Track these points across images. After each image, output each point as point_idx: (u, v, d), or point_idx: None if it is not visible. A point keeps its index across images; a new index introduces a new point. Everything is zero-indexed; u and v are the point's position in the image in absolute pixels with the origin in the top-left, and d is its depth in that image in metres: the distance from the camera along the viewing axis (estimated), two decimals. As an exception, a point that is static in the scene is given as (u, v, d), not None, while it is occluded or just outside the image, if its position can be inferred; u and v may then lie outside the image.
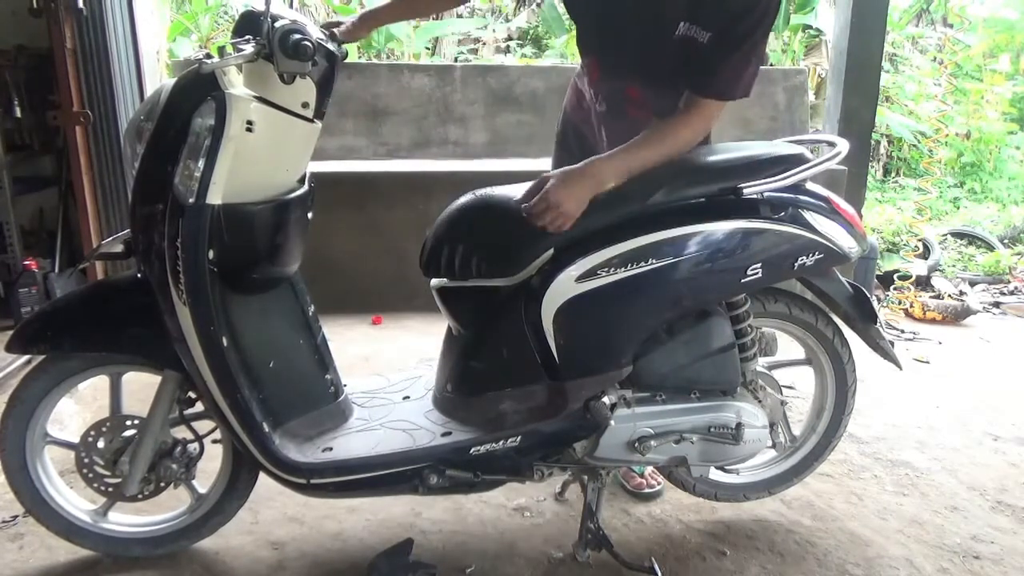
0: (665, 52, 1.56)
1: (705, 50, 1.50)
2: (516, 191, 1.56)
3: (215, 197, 1.38)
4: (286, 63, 1.36)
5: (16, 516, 1.86)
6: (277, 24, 1.34)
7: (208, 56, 1.43)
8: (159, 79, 3.55)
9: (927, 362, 3.16)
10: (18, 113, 3.30)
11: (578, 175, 1.46)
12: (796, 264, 1.58)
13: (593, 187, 1.46)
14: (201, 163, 1.36)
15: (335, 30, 1.63)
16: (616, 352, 1.55)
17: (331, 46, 1.49)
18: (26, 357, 2.70)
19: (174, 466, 1.61)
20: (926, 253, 4.75)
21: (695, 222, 1.50)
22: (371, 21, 1.72)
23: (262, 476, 1.61)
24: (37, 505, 1.64)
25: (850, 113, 3.56)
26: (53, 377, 1.58)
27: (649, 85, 1.67)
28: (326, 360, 1.72)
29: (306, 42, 1.34)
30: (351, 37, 1.66)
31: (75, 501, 1.69)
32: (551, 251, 1.49)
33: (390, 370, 1.97)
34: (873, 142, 6.40)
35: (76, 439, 1.62)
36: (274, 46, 1.34)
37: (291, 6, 1.58)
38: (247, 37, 1.38)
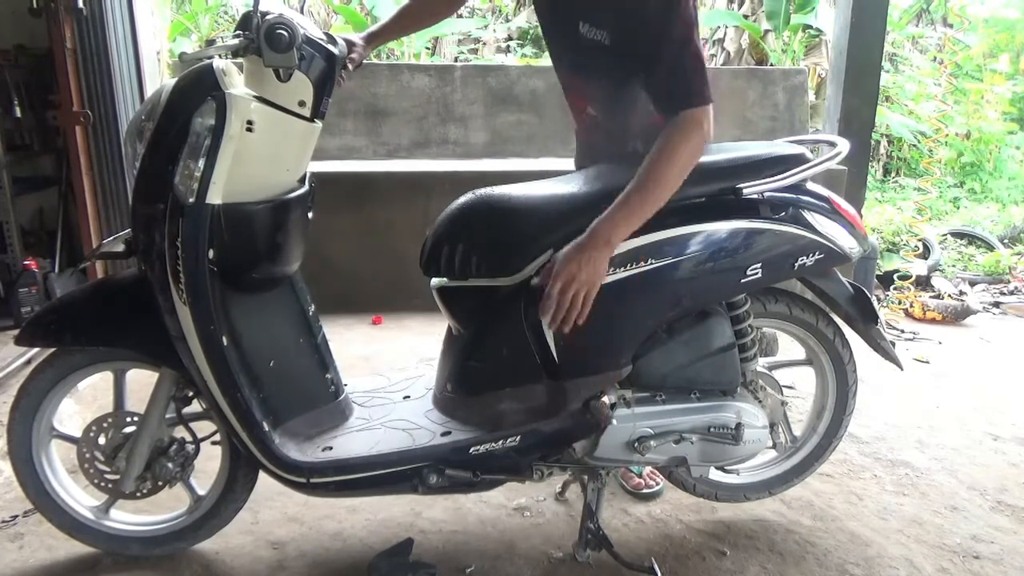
0: (580, 56, 1.53)
1: (609, 54, 1.44)
2: (516, 191, 1.56)
3: (215, 197, 1.39)
4: (272, 57, 1.35)
5: (16, 516, 1.86)
6: (266, 19, 1.34)
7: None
8: (159, 79, 3.55)
9: (927, 362, 3.16)
10: (18, 113, 3.30)
11: (580, 247, 1.40)
12: (796, 264, 1.58)
13: (602, 248, 1.39)
14: (201, 163, 1.37)
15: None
16: (616, 352, 1.54)
17: (330, 46, 1.49)
18: (25, 357, 2.72)
19: (169, 464, 1.62)
20: (926, 253, 4.75)
21: (695, 222, 1.50)
22: (375, 41, 1.73)
23: (262, 476, 1.62)
24: (41, 498, 1.65)
25: (850, 113, 3.56)
26: (59, 371, 1.61)
27: (586, 92, 1.65)
28: (326, 359, 1.72)
29: (282, 31, 1.33)
30: (357, 61, 1.64)
31: (79, 497, 1.70)
32: (551, 251, 1.48)
33: (390, 370, 1.96)
34: (873, 142, 6.40)
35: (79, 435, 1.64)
36: (260, 40, 1.34)
37: (298, 9, 1.57)
38: (237, 32, 1.39)
